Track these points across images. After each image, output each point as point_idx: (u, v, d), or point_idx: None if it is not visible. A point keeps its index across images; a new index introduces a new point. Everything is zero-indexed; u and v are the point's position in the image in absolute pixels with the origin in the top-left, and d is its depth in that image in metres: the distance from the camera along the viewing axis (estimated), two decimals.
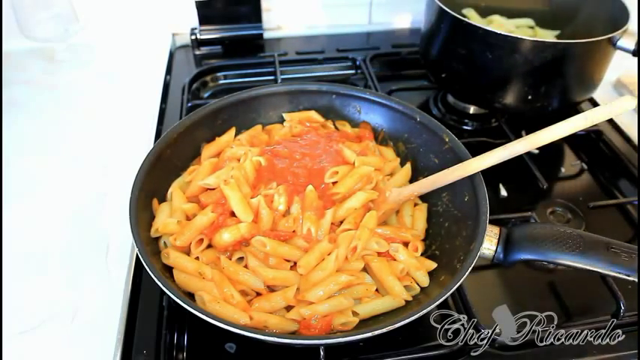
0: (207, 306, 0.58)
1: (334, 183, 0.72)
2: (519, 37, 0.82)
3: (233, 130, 0.81)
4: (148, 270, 0.56)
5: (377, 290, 0.65)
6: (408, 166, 0.79)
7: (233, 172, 0.70)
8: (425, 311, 0.54)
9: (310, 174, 0.71)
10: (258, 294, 0.63)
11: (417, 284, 0.65)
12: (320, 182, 0.71)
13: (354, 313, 0.61)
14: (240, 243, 0.65)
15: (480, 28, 0.85)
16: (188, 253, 0.65)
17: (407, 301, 0.63)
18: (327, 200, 0.70)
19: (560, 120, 0.61)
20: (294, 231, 0.66)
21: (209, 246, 0.66)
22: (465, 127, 1.04)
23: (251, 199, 0.68)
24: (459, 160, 0.70)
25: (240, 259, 0.65)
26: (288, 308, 0.61)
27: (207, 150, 0.78)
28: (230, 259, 0.64)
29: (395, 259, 0.66)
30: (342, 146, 0.76)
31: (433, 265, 0.66)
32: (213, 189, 0.70)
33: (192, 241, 0.64)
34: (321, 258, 0.64)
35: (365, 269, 0.66)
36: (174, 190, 0.71)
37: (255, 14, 1.21)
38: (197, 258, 0.64)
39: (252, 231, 0.65)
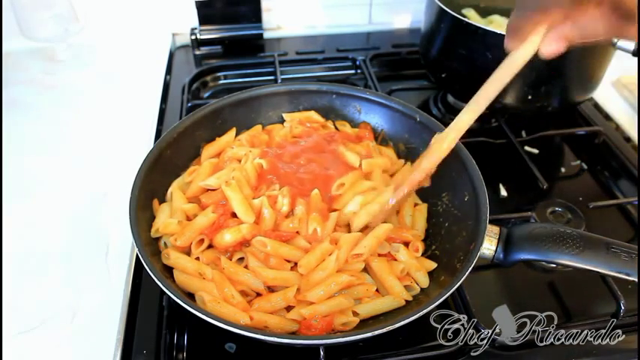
0: (207, 306, 0.58)
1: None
2: None
3: (233, 131, 0.81)
4: (148, 270, 0.56)
5: (377, 290, 0.65)
6: (408, 166, 0.79)
7: (234, 174, 0.70)
8: (425, 311, 0.54)
9: (316, 180, 0.71)
10: (259, 294, 0.63)
11: (417, 284, 0.65)
12: (325, 191, 0.70)
13: (354, 313, 0.61)
14: (241, 244, 0.65)
15: (479, 28, 0.85)
16: (188, 253, 0.65)
17: (407, 301, 0.63)
18: (330, 207, 0.70)
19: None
20: (297, 232, 0.66)
21: (210, 246, 0.66)
22: None
23: (253, 200, 0.68)
24: (459, 159, 0.70)
25: (241, 259, 0.65)
26: (289, 309, 0.61)
27: (208, 150, 0.78)
28: (230, 260, 0.64)
29: (395, 259, 0.66)
30: (345, 150, 0.75)
31: (433, 265, 0.66)
32: (214, 189, 0.70)
33: (192, 242, 0.64)
34: (322, 258, 0.63)
35: (365, 269, 0.66)
36: (175, 190, 0.71)
37: (255, 14, 1.21)
38: (197, 258, 0.64)
39: (254, 232, 0.65)
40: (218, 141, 0.79)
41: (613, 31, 0.49)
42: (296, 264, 0.64)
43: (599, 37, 0.50)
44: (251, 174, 0.71)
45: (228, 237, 0.63)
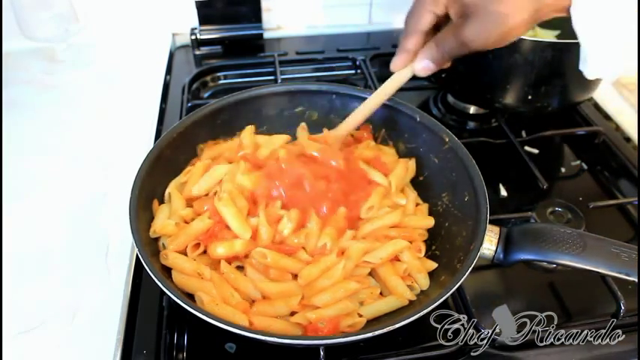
0: (205, 306, 0.58)
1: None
2: (519, 37, 0.82)
3: (237, 139, 0.79)
4: (148, 270, 0.56)
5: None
6: (413, 162, 0.78)
7: (226, 186, 0.67)
8: (425, 311, 0.54)
9: (338, 202, 0.69)
10: None
11: (418, 285, 0.65)
12: (349, 209, 0.68)
13: (359, 315, 0.61)
14: (236, 257, 0.64)
15: None
16: (187, 253, 0.64)
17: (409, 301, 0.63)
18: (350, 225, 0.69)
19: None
20: (302, 247, 0.65)
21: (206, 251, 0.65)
22: (465, 127, 1.04)
23: (250, 216, 0.66)
24: (459, 159, 0.70)
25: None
26: (292, 312, 0.61)
27: (208, 152, 0.77)
28: (230, 264, 0.64)
29: (399, 260, 0.66)
30: (368, 168, 0.74)
31: (434, 265, 0.66)
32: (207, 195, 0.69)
33: (188, 245, 0.64)
34: (325, 270, 0.63)
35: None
36: (173, 191, 0.70)
37: (255, 14, 1.21)
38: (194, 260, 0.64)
39: (249, 248, 0.63)
40: (221, 145, 0.78)
41: (460, 40, 0.61)
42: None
43: (455, 51, 0.62)
44: (246, 184, 0.68)
45: (221, 250, 0.62)
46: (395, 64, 0.70)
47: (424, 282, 0.65)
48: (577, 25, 0.58)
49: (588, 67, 0.61)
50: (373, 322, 0.61)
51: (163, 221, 0.66)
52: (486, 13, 0.58)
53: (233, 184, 0.68)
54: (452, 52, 0.63)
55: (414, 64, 0.67)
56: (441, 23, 0.66)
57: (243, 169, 0.70)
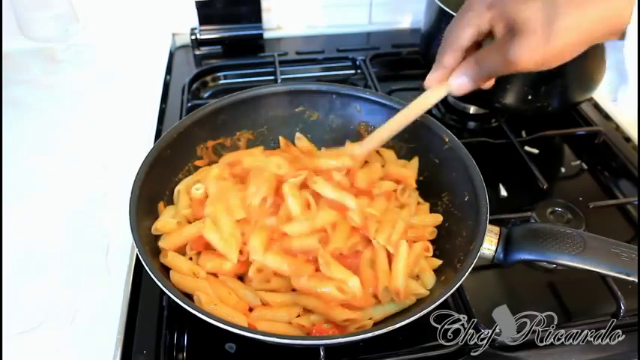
0: (204, 307, 0.58)
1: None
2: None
3: (260, 148, 0.81)
4: (147, 270, 0.56)
5: None
6: (415, 161, 0.78)
7: (208, 209, 0.64)
8: (425, 311, 0.54)
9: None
10: None
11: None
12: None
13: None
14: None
15: None
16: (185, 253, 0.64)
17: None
18: None
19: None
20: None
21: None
22: (465, 127, 1.04)
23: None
24: (459, 159, 0.70)
25: None
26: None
27: (225, 158, 0.77)
28: None
29: None
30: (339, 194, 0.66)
31: (438, 262, 0.67)
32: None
33: (186, 244, 0.64)
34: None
35: None
36: (181, 191, 0.71)
37: (255, 14, 1.21)
38: (191, 258, 0.64)
39: (239, 270, 0.62)
40: (239, 152, 0.78)
41: (505, 58, 0.56)
42: None
43: (498, 70, 0.58)
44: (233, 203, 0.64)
45: (209, 266, 0.62)
46: (429, 79, 0.65)
47: (431, 280, 0.64)
48: (628, 49, 0.56)
49: (628, 93, 0.59)
50: (378, 323, 0.61)
51: (167, 219, 0.66)
52: (539, 30, 0.53)
53: (218, 205, 0.64)
54: (494, 70, 0.59)
55: (450, 80, 0.62)
56: (481, 40, 0.61)
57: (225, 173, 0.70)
